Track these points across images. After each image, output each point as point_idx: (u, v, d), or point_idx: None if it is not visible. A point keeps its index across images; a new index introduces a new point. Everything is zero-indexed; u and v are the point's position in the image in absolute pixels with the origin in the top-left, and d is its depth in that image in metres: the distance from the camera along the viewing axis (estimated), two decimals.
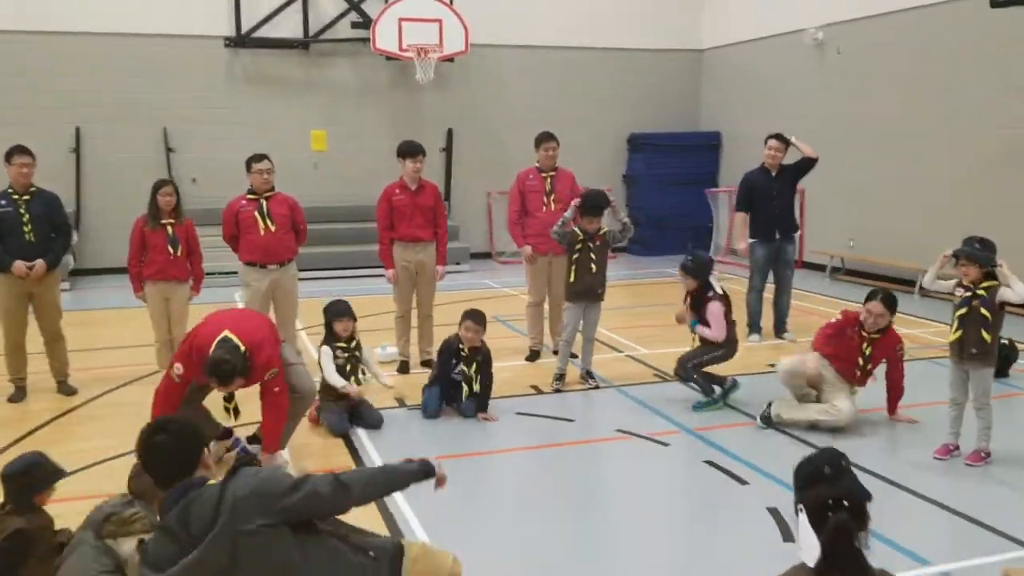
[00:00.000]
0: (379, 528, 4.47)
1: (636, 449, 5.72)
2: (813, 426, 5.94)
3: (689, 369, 6.45)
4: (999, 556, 4.10)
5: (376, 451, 5.67)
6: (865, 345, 6.02)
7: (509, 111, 15.07)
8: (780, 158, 8.47)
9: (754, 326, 8.74)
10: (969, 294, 5.22)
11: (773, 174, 8.49)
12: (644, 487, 5.21)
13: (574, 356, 7.30)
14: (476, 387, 6.36)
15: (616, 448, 5.77)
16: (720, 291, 6.54)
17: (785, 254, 8.55)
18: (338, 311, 6.20)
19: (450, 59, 14.28)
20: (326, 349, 6.19)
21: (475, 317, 6.44)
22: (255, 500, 2.55)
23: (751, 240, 8.61)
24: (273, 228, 7.08)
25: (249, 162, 7.13)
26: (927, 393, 6.44)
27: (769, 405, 6.10)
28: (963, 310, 5.23)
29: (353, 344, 6.24)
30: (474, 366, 6.39)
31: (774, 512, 4.64)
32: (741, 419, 6.25)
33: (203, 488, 2.63)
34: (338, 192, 14.37)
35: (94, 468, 5.38)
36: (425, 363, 7.71)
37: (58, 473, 3.71)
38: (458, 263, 14.08)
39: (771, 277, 8.73)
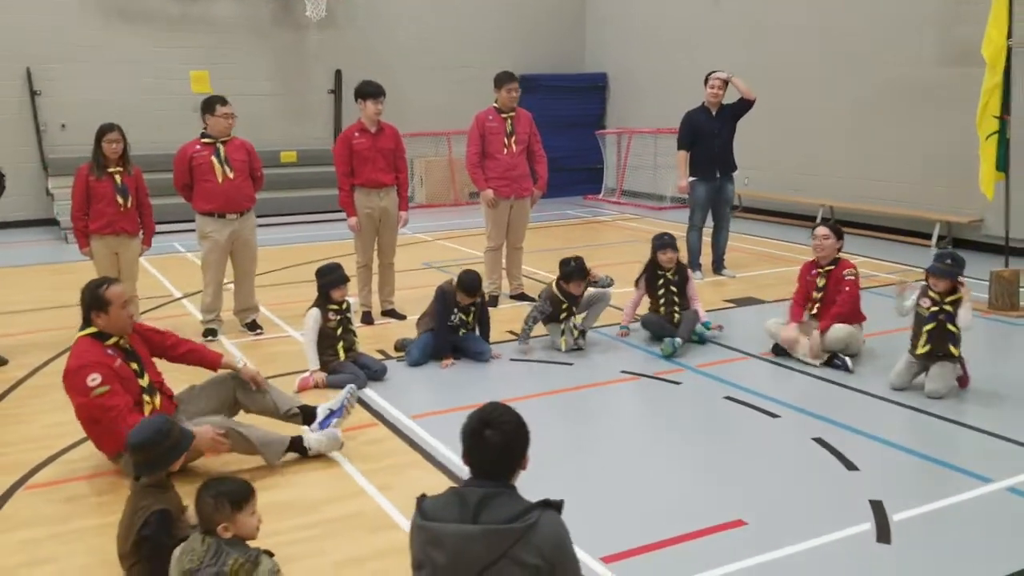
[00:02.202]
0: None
1: (650, 389, 5.77)
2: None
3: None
4: None
5: (391, 405, 5.43)
6: (819, 279, 6.28)
7: (399, 51, 14.57)
8: (721, 96, 8.62)
9: (694, 264, 8.95)
10: (936, 308, 5.43)
11: (714, 113, 8.65)
12: (679, 427, 5.26)
13: None
14: (472, 324, 6.33)
15: (630, 389, 5.79)
16: None
17: (725, 192, 8.78)
18: (337, 279, 5.88)
19: None
20: (315, 312, 5.85)
21: (468, 289, 6.21)
22: (549, 542, 2.49)
23: (692, 178, 8.76)
24: (232, 175, 6.61)
25: (212, 104, 6.60)
26: (874, 323, 6.52)
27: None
28: (931, 325, 5.43)
29: (344, 306, 5.94)
30: (472, 313, 6.33)
31: (820, 442, 4.82)
32: (733, 355, 6.41)
33: (513, 494, 2.60)
34: None
35: (86, 443, 4.85)
36: (387, 313, 7.44)
37: (187, 438, 3.37)
38: None
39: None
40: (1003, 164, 7.41)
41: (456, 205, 14.63)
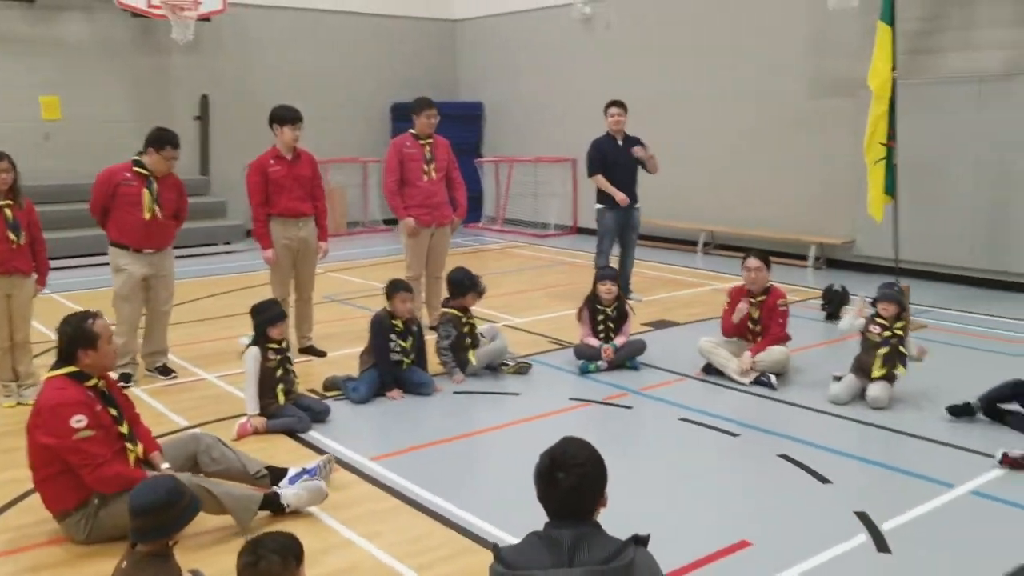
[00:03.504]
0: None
1: (604, 415, 5.73)
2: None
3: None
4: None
5: (345, 448, 5.12)
6: (753, 309, 6.48)
7: (268, 77, 14.06)
8: (623, 123, 8.74)
9: None
10: (888, 333, 5.75)
11: (619, 141, 8.77)
12: (648, 452, 5.22)
13: None
14: (411, 359, 6.13)
15: (583, 416, 5.73)
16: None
17: (632, 219, 8.89)
18: (275, 316, 5.55)
19: (206, 19, 12.98)
20: (254, 352, 5.47)
21: (406, 287, 6.17)
22: None
23: (600, 206, 8.85)
24: (160, 214, 6.19)
25: (162, 142, 6.14)
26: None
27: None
28: (885, 349, 5.73)
29: (284, 345, 5.60)
30: (410, 340, 6.11)
31: (787, 458, 4.92)
32: (669, 376, 6.48)
33: (602, 532, 2.51)
34: (75, 167, 12.50)
35: (11, 511, 4.31)
36: (306, 350, 7.08)
37: (195, 505, 3.01)
38: (228, 242, 13.04)
39: None
40: (891, 188, 7.91)
41: (336, 236, 14.18)
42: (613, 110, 8.76)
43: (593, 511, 2.55)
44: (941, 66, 9.57)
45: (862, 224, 10.08)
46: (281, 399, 5.49)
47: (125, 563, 3.02)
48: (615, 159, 8.70)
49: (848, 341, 7.22)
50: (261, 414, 5.41)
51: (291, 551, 2.69)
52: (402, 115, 15.40)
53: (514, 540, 3.87)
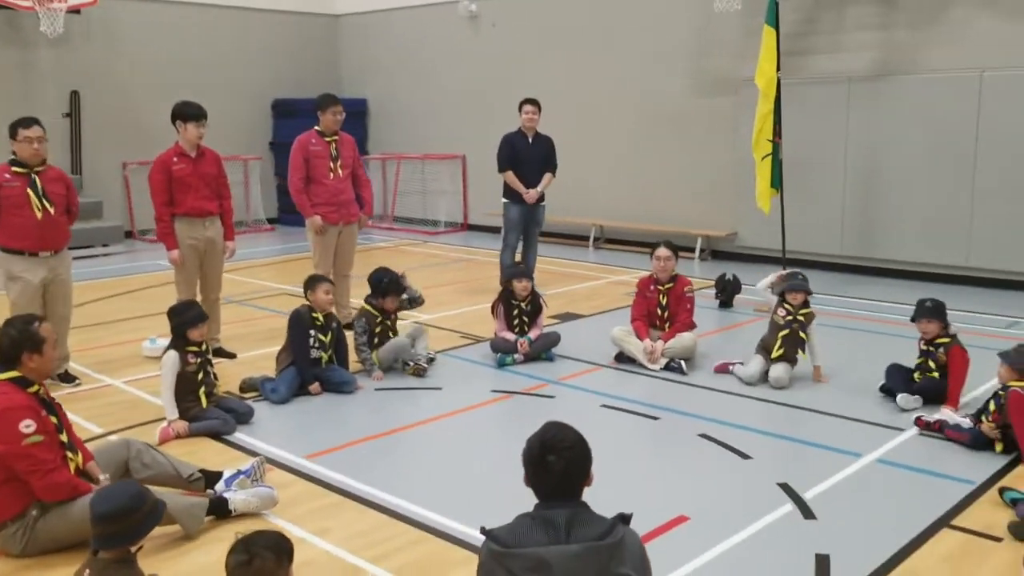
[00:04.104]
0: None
1: (528, 406, 5.86)
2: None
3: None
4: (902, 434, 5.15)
5: (275, 447, 5.06)
6: (661, 296, 6.79)
7: (142, 73, 13.51)
8: (536, 120, 8.85)
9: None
10: (791, 317, 6.14)
11: (529, 139, 8.89)
12: None
13: None
14: (329, 355, 6.09)
15: (508, 407, 5.85)
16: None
17: (537, 214, 9.02)
18: (194, 317, 5.40)
19: (76, 11, 12.36)
20: (172, 355, 5.31)
21: (327, 279, 6.21)
22: (637, 555, 2.57)
23: (505, 200, 8.96)
24: (51, 210, 5.88)
25: (15, 127, 5.80)
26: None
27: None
28: (786, 331, 6.13)
29: (204, 347, 5.47)
30: (330, 335, 6.09)
31: (707, 437, 5.19)
32: (585, 366, 6.68)
33: (590, 510, 2.61)
34: None
35: None
36: (216, 352, 6.88)
37: (159, 510, 2.93)
38: (106, 244, 12.47)
39: None
40: (777, 182, 8.39)
41: None
42: (527, 107, 8.84)
43: (581, 490, 2.67)
44: (814, 67, 10.19)
45: (744, 216, 10.64)
46: (203, 402, 5.37)
47: (88, 571, 2.93)
48: (526, 156, 8.81)
49: (744, 327, 7.71)
50: (182, 417, 5.27)
51: (283, 549, 2.68)
52: (284, 112, 15.13)
53: (463, 528, 4.00)
